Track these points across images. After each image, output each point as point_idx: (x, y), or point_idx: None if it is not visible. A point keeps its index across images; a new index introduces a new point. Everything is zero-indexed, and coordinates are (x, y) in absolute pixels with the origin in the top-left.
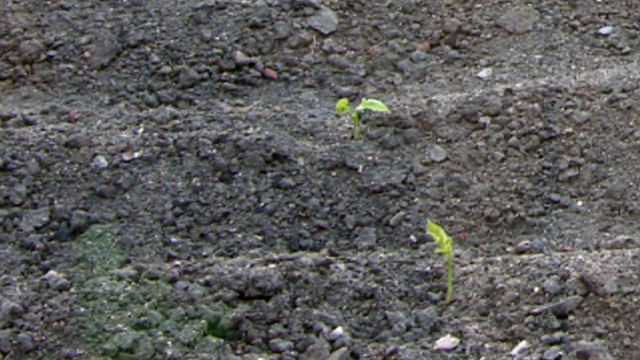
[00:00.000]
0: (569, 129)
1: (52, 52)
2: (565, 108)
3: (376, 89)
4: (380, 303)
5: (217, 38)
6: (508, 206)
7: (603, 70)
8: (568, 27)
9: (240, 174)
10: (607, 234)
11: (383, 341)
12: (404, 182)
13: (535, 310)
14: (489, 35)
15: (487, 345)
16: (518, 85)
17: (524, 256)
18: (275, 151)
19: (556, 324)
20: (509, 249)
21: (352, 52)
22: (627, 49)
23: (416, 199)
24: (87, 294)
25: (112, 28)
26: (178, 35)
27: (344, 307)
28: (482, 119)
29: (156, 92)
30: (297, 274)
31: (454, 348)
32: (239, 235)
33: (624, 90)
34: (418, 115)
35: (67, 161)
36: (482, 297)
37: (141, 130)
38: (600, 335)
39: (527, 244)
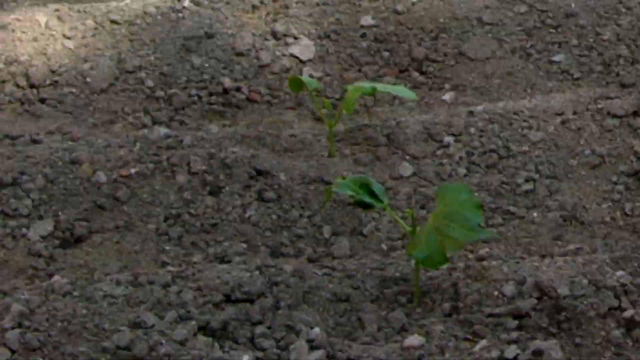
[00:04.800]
0: (525, 148)
1: (56, 78)
2: (522, 129)
3: None
4: (354, 306)
5: (207, 65)
6: None
7: (556, 94)
8: (524, 55)
9: (227, 188)
10: (560, 243)
11: (357, 340)
12: None
13: (495, 312)
14: (452, 62)
15: (451, 344)
16: (479, 107)
17: (485, 263)
18: (259, 167)
19: (513, 324)
20: (470, 256)
21: (329, 78)
22: (577, 74)
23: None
24: (88, 297)
25: (110, 56)
26: (171, 62)
27: (322, 310)
28: (446, 139)
29: (151, 114)
30: (279, 279)
31: (421, 346)
32: (226, 244)
33: (574, 113)
34: (388, 135)
35: (71, 176)
36: (446, 300)
37: (137, 148)
38: (553, 335)
39: (487, 252)
